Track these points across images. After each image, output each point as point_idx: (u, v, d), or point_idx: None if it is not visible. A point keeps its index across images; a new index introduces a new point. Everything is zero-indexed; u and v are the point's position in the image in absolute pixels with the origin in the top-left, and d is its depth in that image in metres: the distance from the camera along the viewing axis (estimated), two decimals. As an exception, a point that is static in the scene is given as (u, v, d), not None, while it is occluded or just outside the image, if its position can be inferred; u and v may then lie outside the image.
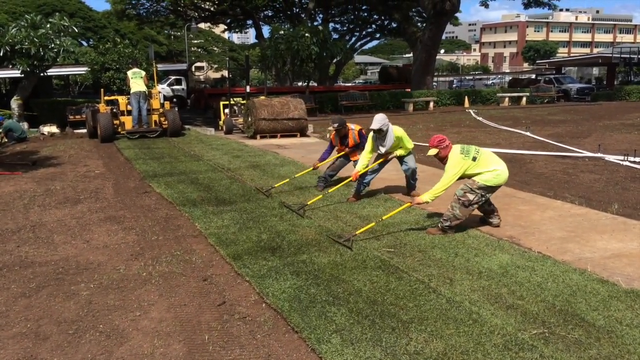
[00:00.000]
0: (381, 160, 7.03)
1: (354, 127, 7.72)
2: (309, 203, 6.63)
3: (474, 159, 5.43)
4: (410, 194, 7.19)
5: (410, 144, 7.05)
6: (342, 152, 7.78)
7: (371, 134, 6.78)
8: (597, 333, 3.39)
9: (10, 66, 18.48)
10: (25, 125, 17.15)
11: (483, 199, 5.50)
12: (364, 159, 6.87)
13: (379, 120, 6.62)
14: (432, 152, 5.56)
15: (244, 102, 16.89)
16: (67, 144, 14.05)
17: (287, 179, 7.85)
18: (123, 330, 3.61)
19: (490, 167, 5.44)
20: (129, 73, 15.17)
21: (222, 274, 4.58)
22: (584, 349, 3.22)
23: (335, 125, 7.51)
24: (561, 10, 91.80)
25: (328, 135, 7.65)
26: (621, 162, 9.62)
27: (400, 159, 7.13)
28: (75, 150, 12.80)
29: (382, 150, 6.82)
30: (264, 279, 4.35)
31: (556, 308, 3.74)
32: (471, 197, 5.44)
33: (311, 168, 8.03)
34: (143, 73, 15.33)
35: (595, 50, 78.81)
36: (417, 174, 7.28)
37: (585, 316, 3.61)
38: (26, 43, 16.12)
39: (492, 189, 5.50)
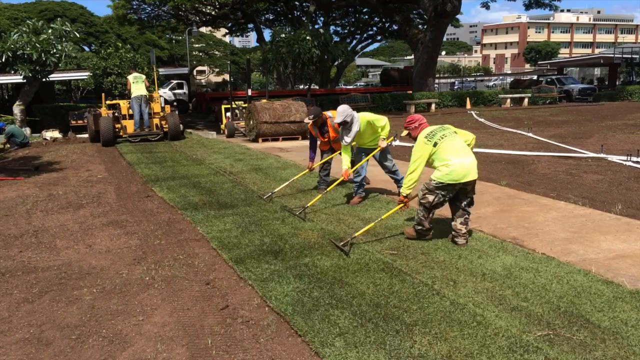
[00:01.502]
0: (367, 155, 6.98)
1: (331, 115, 7.54)
2: (308, 205, 6.62)
3: (435, 144, 5.00)
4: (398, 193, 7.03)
5: (381, 121, 6.77)
6: (327, 147, 7.68)
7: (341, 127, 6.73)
8: (602, 334, 3.37)
9: (13, 72, 18.56)
10: (27, 130, 17.21)
11: (445, 199, 5.07)
12: (346, 157, 6.73)
13: (341, 112, 6.57)
14: (404, 132, 5.41)
15: (246, 105, 16.92)
16: (69, 149, 14.08)
17: (286, 182, 7.83)
18: (126, 335, 3.60)
19: (445, 158, 4.96)
20: (130, 77, 15.23)
21: (224, 277, 4.57)
22: (589, 350, 3.19)
23: (311, 117, 7.37)
24: (562, 11, 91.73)
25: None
26: (624, 163, 9.59)
27: (380, 162, 7.03)
28: (78, 155, 12.81)
29: (348, 140, 6.69)
30: (266, 282, 4.33)
31: (561, 309, 3.72)
32: (430, 198, 5.06)
33: (307, 170, 7.93)
34: (143, 77, 15.40)
35: (596, 51, 78.77)
36: (396, 170, 7.02)
37: (590, 317, 3.59)
38: (28, 48, 16.20)
39: (452, 187, 5.00)
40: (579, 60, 45.80)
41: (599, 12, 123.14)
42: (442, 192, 5.03)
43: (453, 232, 5.18)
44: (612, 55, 35.89)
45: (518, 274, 4.37)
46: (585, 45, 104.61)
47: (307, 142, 14.00)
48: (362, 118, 6.75)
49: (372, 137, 6.89)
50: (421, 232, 5.25)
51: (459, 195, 5.13)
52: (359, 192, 7.07)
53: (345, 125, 6.64)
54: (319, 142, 7.73)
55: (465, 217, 5.16)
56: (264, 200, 7.29)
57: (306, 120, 7.54)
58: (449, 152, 4.99)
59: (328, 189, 7.12)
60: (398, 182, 7.01)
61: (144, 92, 15.03)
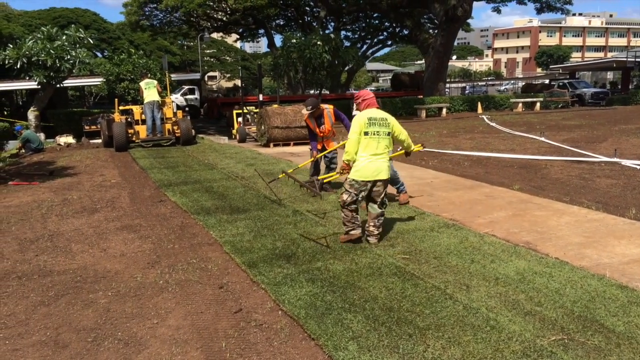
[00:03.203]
0: None
1: (327, 107, 7.68)
2: (320, 177, 6.79)
3: (366, 133, 5.30)
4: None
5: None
6: (319, 146, 7.81)
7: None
8: (617, 339, 3.35)
9: (27, 78, 18.81)
10: (41, 136, 17.41)
11: (357, 197, 5.37)
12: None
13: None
14: (355, 107, 5.73)
15: (257, 110, 16.99)
16: (83, 154, 14.21)
17: (291, 170, 7.89)
18: (141, 338, 3.64)
19: (361, 154, 5.32)
20: (142, 84, 15.39)
21: (237, 281, 4.60)
22: (604, 355, 3.18)
23: (309, 107, 7.45)
24: (574, 14, 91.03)
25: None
26: (638, 167, 9.51)
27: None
28: (91, 160, 12.94)
29: None
30: (279, 286, 4.36)
31: (575, 314, 3.70)
32: (345, 197, 5.38)
33: (312, 159, 7.96)
34: (155, 82, 15.54)
35: (609, 55, 78.14)
36: (398, 177, 7.06)
37: (605, 322, 3.57)
38: (42, 55, 16.41)
39: (363, 184, 5.34)
40: (592, 64, 45.50)
41: (611, 15, 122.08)
42: (355, 191, 5.36)
43: (366, 232, 5.51)
44: (625, 59, 35.62)
45: (531, 278, 4.35)
46: (597, 49, 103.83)
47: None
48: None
49: None
50: (350, 238, 5.40)
51: (373, 195, 5.45)
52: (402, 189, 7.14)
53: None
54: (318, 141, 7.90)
55: (377, 220, 5.47)
56: (268, 184, 7.51)
57: (304, 111, 7.60)
58: (366, 149, 5.34)
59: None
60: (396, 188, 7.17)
61: (157, 97, 15.17)
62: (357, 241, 5.41)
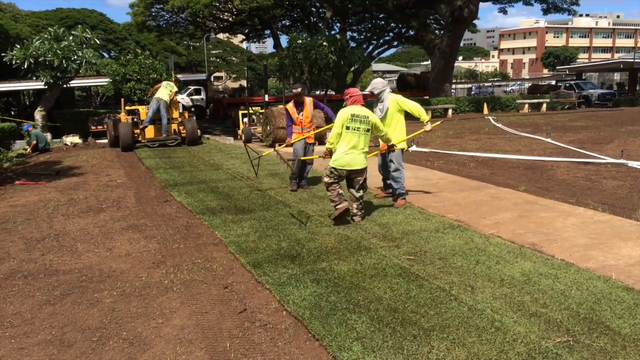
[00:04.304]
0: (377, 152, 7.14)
1: (309, 99, 8.11)
2: (303, 158, 7.87)
3: (347, 128, 6.01)
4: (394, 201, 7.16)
5: (412, 105, 7.11)
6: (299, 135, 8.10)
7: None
8: (622, 341, 3.34)
9: (35, 78, 18.91)
10: (48, 135, 17.51)
11: (336, 180, 6.13)
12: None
13: (373, 82, 7.00)
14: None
15: (263, 111, 17.02)
16: (89, 154, 14.27)
17: (271, 150, 8.61)
18: (146, 338, 3.65)
19: (340, 146, 6.06)
20: (164, 82, 15.47)
21: (242, 281, 4.60)
22: (609, 357, 3.16)
23: (299, 89, 7.90)
24: (581, 15, 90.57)
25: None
26: (645, 168, 9.45)
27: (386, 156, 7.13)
28: (98, 160, 12.99)
29: (378, 113, 6.93)
30: (284, 286, 4.36)
31: (580, 316, 3.68)
32: (327, 179, 6.15)
33: (284, 145, 8.35)
34: (175, 89, 15.56)
35: (616, 56, 77.71)
36: (400, 177, 7.00)
37: (611, 324, 3.55)
38: (49, 55, 16.52)
39: (340, 171, 6.09)
40: (598, 65, 45.26)
41: (618, 16, 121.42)
42: (335, 177, 6.13)
43: (351, 213, 6.26)
44: (632, 60, 35.39)
45: (537, 279, 4.34)
46: (604, 50, 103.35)
47: (323, 147, 14.06)
48: (392, 98, 6.96)
49: (394, 128, 6.98)
50: (339, 212, 6.06)
51: (351, 181, 6.23)
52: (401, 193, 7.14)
53: (377, 97, 6.94)
54: (295, 131, 8.25)
55: (359, 203, 6.25)
56: (253, 161, 8.20)
57: (294, 90, 8.04)
58: (344, 142, 6.07)
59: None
60: (393, 187, 7.15)
61: (166, 97, 15.20)
62: (345, 214, 6.14)
